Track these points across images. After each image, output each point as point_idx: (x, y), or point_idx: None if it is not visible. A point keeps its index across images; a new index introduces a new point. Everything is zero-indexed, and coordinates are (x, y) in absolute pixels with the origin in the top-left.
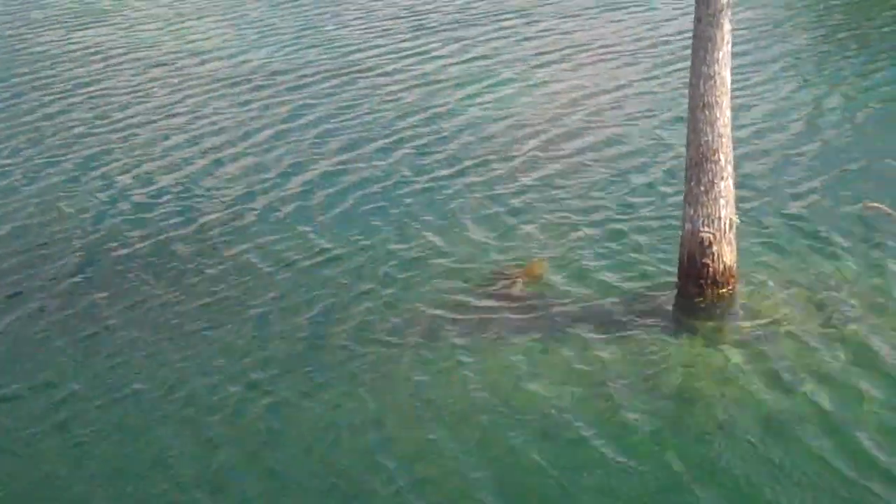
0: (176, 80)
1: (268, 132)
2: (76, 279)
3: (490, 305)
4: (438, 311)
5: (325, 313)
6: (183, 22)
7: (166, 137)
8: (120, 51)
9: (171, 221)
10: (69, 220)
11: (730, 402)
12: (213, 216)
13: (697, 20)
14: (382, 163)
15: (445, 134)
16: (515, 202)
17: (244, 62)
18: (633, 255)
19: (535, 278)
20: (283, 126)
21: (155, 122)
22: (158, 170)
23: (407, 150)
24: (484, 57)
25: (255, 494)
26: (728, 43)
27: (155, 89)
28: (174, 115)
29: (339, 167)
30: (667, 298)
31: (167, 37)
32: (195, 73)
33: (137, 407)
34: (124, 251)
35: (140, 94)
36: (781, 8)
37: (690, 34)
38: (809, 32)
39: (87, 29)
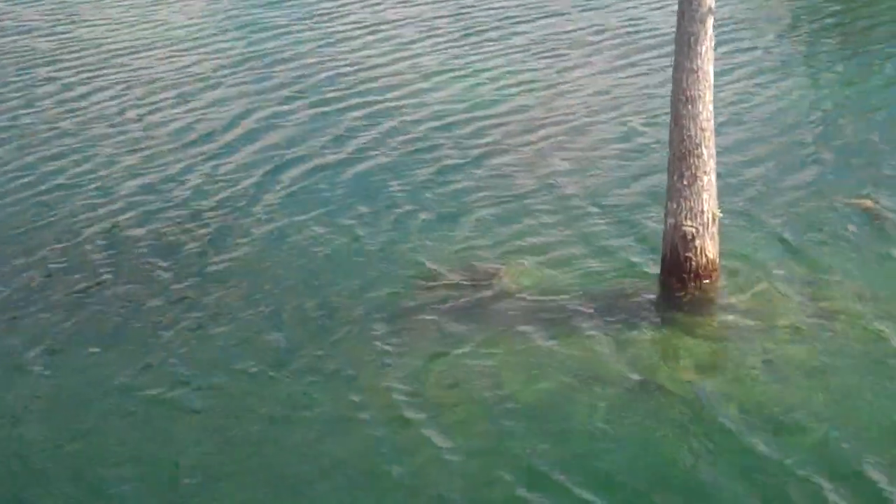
0: (135, 78)
1: (235, 132)
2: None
3: (472, 301)
4: (416, 307)
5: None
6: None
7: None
8: (93, 46)
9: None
10: (59, 221)
11: (711, 394)
12: (168, 223)
13: (681, 15)
14: (360, 157)
15: (432, 128)
16: (497, 197)
17: (208, 56)
18: (615, 249)
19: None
20: (251, 123)
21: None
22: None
23: (392, 145)
24: (474, 53)
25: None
26: (711, 38)
27: (119, 87)
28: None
29: (317, 161)
30: (649, 292)
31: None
32: (153, 70)
33: (133, 398)
34: (99, 250)
35: (96, 91)
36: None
37: (670, 31)
38: (800, 27)
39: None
